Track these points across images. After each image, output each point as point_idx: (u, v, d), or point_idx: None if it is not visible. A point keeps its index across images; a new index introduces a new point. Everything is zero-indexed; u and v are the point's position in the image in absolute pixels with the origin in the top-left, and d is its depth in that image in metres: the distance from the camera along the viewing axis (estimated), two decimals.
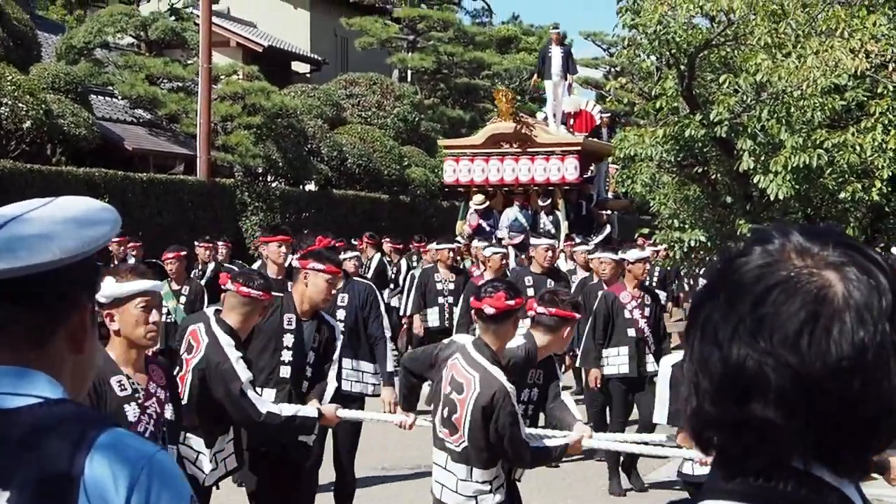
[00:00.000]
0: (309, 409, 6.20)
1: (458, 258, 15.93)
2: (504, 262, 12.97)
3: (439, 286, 14.01)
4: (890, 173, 12.78)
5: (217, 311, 6.02)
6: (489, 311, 5.33)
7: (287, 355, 6.61)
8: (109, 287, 4.48)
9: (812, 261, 1.17)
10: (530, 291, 10.51)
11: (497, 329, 5.38)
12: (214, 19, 25.51)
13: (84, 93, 22.83)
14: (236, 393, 5.69)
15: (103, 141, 22.21)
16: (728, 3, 13.45)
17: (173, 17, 27.79)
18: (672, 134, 14.18)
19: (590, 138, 22.24)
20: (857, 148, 12.58)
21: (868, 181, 13.04)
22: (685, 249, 14.72)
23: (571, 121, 22.68)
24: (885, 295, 1.14)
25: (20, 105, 18.98)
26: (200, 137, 22.77)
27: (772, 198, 13.07)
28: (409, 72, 35.10)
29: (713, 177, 15.40)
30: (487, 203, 21.04)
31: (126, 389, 4.63)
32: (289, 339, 6.62)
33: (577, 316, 5.97)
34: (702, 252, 14.94)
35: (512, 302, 5.37)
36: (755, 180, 13.26)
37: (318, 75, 35.69)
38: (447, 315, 13.75)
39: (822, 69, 12.13)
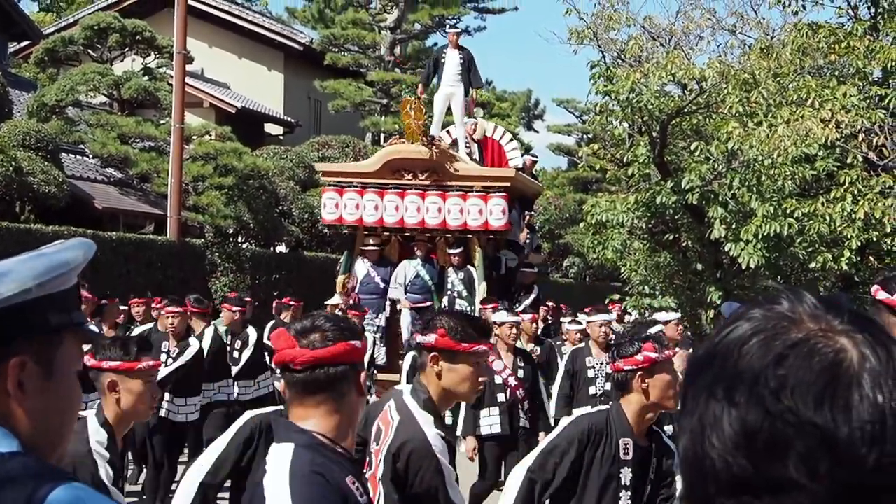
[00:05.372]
0: None
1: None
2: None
3: (591, 373, 10.81)
4: (859, 243, 12.86)
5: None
6: None
7: None
8: None
9: (826, 325, 1.17)
10: None
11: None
12: (188, 80, 25.52)
13: (55, 151, 22.72)
14: None
15: (73, 199, 22.09)
16: (700, 72, 13.60)
17: (146, 77, 27.77)
18: (643, 200, 14.27)
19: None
20: (827, 217, 12.67)
21: (837, 251, 13.12)
22: None
23: (470, 147, 17.04)
24: None
25: None
26: (171, 197, 22.70)
27: (743, 266, 13.14)
28: (382, 135, 35.19)
29: (684, 244, 15.48)
30: (378, 249, 15.98)
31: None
32: None
33: None
34: None
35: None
36: (726, 248, 13.34)
37: (290, 137, 35.73)
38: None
39: (793, 138, 12.24)
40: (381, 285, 15.61)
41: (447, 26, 19.71)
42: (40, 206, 20.71)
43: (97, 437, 4.49)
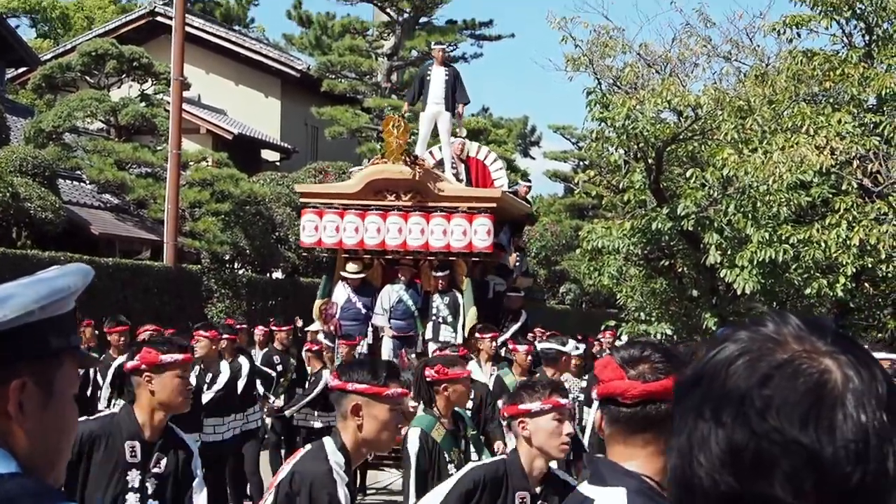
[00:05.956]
0: None
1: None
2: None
3: None
4: (854, 269, 12.88)
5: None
6: None
7: None
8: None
9: (810, 346, 1.19)
10: None
11: None
12: (185, 106, 25.59)
13: (52, 176, 22.71)
14: None
15: (69, 225, 22.09)
16: (695, 99, 13.63)
17: (144, 103, 27.82)
18: (639, 227, 14.28)
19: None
20: (822, 244, 12.69)
21: (833, 277, 13.13)
22: None
23: (456, 168, 16.44)
24: (880, 384, 1.16)
25: None
26: (168, 223, 22.70)
27: (738, 292, 13.13)
28: None
29: (680, 270, 15.49)
30: (363, 274, 15.16)
31: None
32: None
33: None
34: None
35: None
36: (721, 274, 13.34)
37: (287, 163, 35.77)
38: None
39: (788, 165, 12.28)
40: (363, 311, 14.86)
41: (433, 44, 18.70)
42: (37, 232, 20.72)
43: (335, 457, 4.28)
